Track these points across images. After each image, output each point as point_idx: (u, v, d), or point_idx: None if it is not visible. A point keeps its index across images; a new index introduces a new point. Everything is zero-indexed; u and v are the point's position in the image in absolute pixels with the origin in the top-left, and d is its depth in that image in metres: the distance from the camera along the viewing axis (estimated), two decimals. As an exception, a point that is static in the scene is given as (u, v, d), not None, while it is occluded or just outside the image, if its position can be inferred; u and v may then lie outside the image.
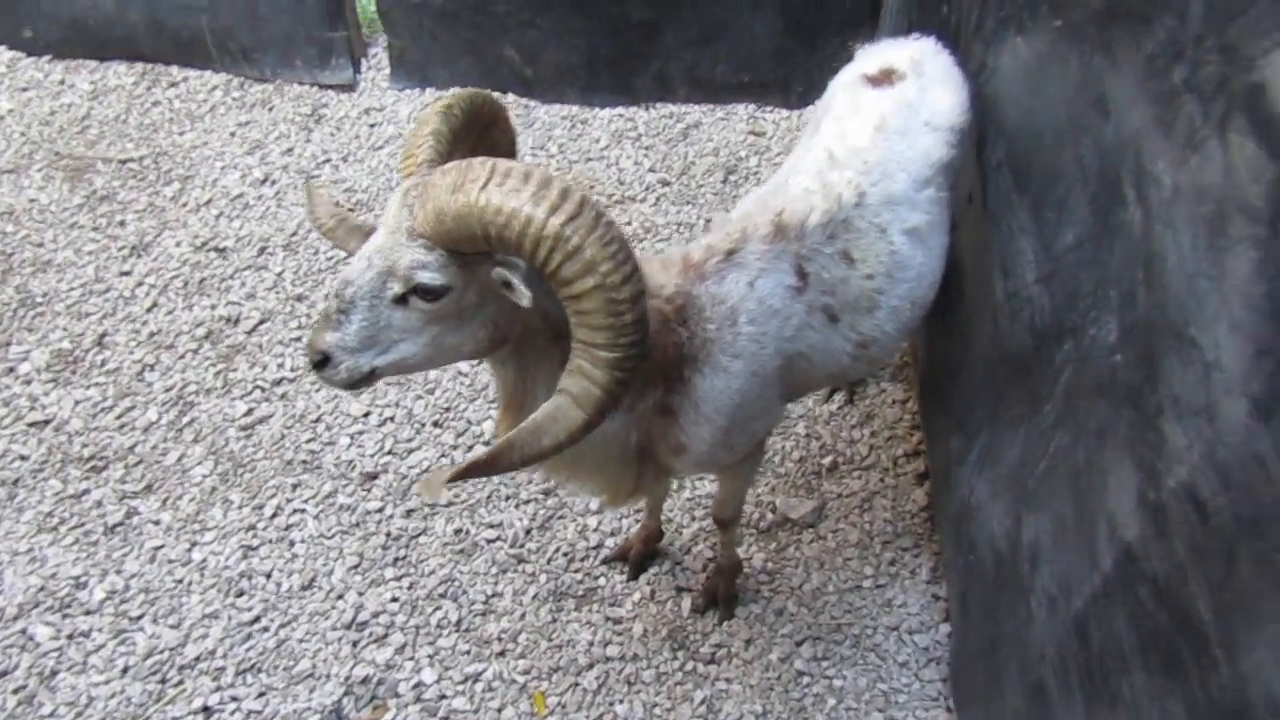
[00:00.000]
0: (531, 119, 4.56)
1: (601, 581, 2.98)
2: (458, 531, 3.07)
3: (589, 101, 4.59)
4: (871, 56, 2.73)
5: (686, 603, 2.92)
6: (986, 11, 2.65)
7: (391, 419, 3.37)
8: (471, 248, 1.69)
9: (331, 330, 1.76)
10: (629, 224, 4.08)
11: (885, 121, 2.47)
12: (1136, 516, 1.53)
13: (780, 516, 3.14)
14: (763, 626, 2.88)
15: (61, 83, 4.64)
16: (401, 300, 1.74)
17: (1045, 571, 1.89)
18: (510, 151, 2.16)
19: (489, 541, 3.05)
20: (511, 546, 3.04)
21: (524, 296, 1.71)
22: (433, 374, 3.47)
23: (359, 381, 1.84)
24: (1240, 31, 1.46)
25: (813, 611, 2.91)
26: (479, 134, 2.04)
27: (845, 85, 2.68)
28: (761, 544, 3.08)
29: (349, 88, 4.64)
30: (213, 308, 3.69)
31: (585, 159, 4.38)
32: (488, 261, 1.73)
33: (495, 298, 1.79)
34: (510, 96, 4.62)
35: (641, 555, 3.01)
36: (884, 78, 2.60)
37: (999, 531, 2.22)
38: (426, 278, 1.71)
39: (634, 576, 3.00)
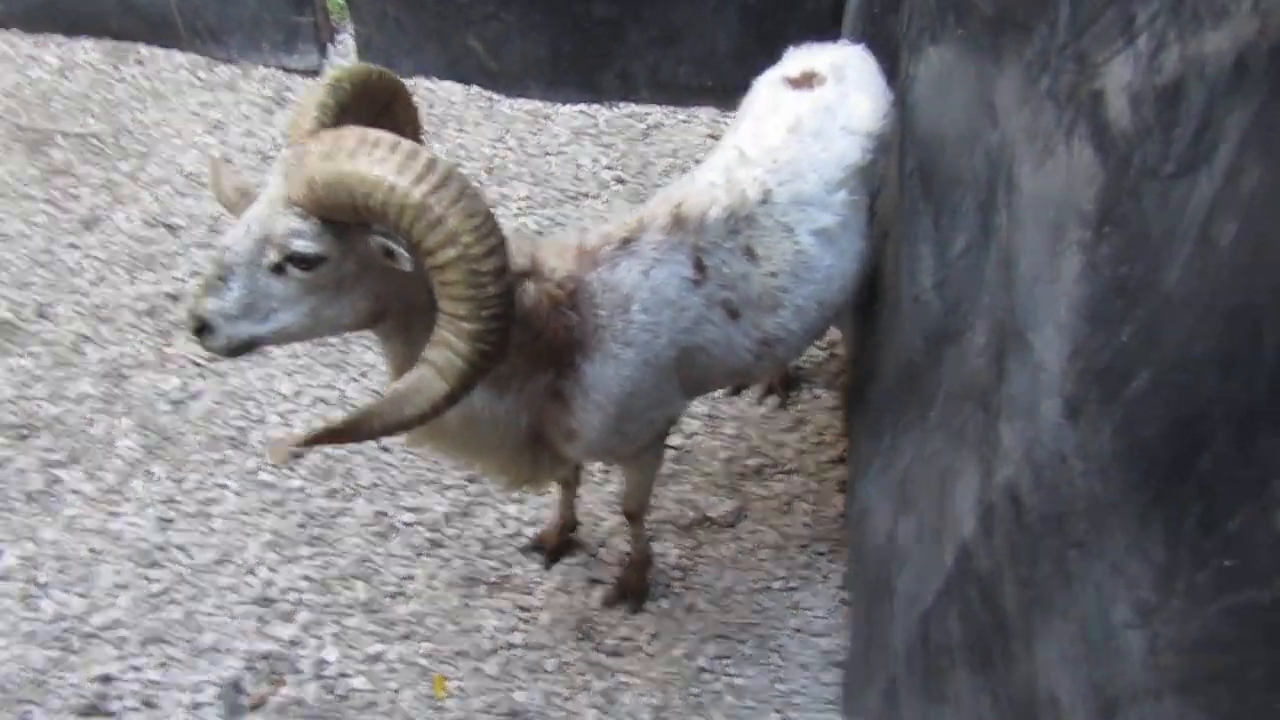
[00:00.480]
0: (493, 112, 4.58)
1: (516, 570, 3.00)
2: (378, 513, 3.08)
3: (552, 97, 4.61)
4: (795, 59, 2.76)
5: (597, 594, 2.94)
6: (912, 21, 2.68)
7: (323, 400, 3.38)
8: (345, 217, 1.71)
9: (212, 297, 1.79)
10: (581, 219, 4.10)
11: (800, 123, 2.50)
12: (973, 515, 1.54)
13: (700, 515, 3.16)
14: (671, 622, 2.89)
15: (30, 57, 4.67)
16: (279, 269, 1.76)
17: (908, 573, 1.91)
18: (415, 130, 2.16)
19: (407, 525, 3.06)
20: (430, 531, 3.05)
21: (405, 261, 1.73)
22: (369, 357, 3.48)
23: (238, 349, 1.86)
24: (1091, 39, 1.48)
25: (722, 610, 2.92)
26: (379, 112, 2.05)
27: (767, 86, 2.70)
28: (678, 541, 3.09)
29: (314, 73, 4.66)
30: (157, 283, 3.70)
31: (544, 153, 4.40)
32: (367, 232, 1.75)
33: (375, 269, 1.82)
34: (474, 88, 4.64)
35: (557, 545, 3.03)
36: (804, 80, 2.62)
37: (882, 535, 2.23)
38: (300, 246, 1.73)
39: (549, 565, 3.02)
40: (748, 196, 2.32)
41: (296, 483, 3.13)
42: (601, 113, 4.62)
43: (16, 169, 4.11)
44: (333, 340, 3.51)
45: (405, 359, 1.95)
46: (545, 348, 2.07)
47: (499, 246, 1.68)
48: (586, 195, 4.22)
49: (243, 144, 4.26)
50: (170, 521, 3.01)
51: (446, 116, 4.52)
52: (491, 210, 1.69)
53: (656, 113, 4.63)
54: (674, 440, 3.33)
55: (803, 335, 2.48)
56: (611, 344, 2.13)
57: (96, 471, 3.12)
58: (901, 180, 2.59)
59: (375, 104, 2.03)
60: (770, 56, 4.42)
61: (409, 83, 4.57)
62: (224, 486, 3.11)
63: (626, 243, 2.17)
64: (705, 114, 4.63)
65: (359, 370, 3.46)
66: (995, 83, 1.93)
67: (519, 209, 4.14)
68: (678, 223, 2.22)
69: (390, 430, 1.80)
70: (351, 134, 1.68)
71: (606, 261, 2.14)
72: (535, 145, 4.44)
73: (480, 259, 1.65)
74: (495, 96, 4.64)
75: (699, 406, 3.43)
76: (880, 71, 2.71)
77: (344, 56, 4.73)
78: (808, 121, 2.50)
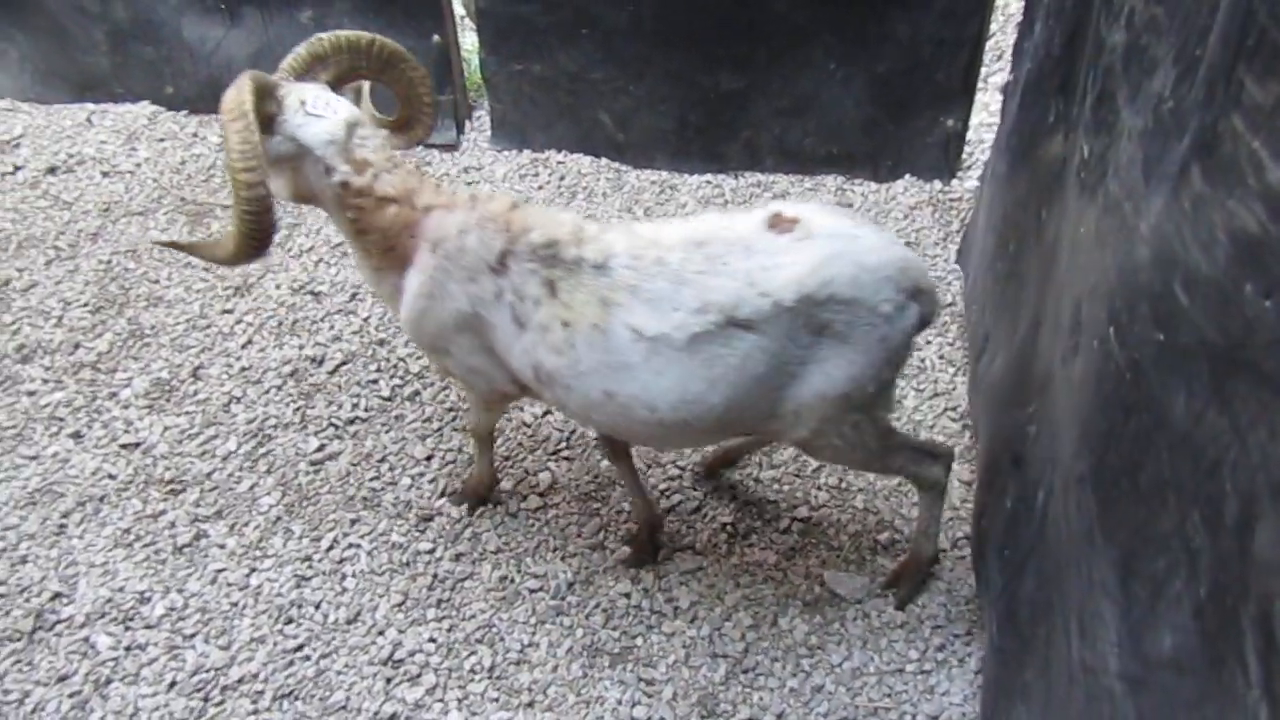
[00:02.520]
0: (622, 182, 4.67)
1: (639, 641, 2.96)
2: (503, 578, 3.11)
3: (678, 168, 4.69)
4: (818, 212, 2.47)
5: (722, 669, 2.87)
6: (1079, 264, 2.29)
7: (453, 463, 3.46)
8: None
9: None
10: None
11: (708, 242, 2.39)
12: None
13: (827, 590, 3.07)
14: (798, 703, 2.80)
15: (194, 135, 5.03)
16: None
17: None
18: (425, 85, 2.78)
19: (531, 591, 3.07)
20: (553, 598, 3.06)
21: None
22: (499, 423, 3.55)
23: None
24: None
25: (850, 692, 2.82)
26: (381, 69, 2.71)
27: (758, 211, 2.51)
28: (806, 617, 3.00)
29: (452, 147, 4.87)
30: (300, 348, 3.88)
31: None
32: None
33: (284, 162, 2.57)
34: (603, 160, 4.75)
35: (642, 545, 3.15)
36: (779, 221, 2.40)
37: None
38: None
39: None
40: (584, 253, 2.44)
41: (426, 545, 3.18)
42: (727, 182, 4.66)
43: (179, 239, 4.39)
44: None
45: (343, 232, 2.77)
46: (397, 255, 2.64)
47: (257, 168, 2.30)
48: (712, 264, 4.24)
49: (383, 215, 4.46)
50: (306, 579, 3.10)
51: (576, 188, 4.63)
52: (256, 145, 2.30)
53: (782, 181, 4.65)
54: (800, 512, 3.27)
55: (588, 413, 2.58)
56: (417, 268, 2.61)
57: (240, 527, 3.25)
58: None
59: (373, 62, 2.69)
60: (898, 125, 4.42)
61: (541, 155, 4.78)
62: (357, 546, 3.19)
63: (471, 206, 2.59)
64: (831, 181, 4.62)
65: (488, 434, 3.52)
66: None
67: (645, 277, 4.18)
68: (510, 218, 2.54)
69: (206, 260, 2.67)
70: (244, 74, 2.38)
71: (445, 208, 2.59)
72: (662, 214, 4.50)
73: (239, 172, 2.29)
74: (623, 168, 4.75)
75: (826, 477, 3.36)
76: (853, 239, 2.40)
77: (481, 131, 4.92)
78: (717, 246, 2.37)
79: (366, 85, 2.79)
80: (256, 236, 2.41)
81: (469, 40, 5.07)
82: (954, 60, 4.19)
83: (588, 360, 2.44)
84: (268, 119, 2.46)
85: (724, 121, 4.53)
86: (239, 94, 2.32)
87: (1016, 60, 3.51)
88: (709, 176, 4.67)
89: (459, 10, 5.03)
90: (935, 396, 3.65)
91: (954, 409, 3.59)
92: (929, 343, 3.84)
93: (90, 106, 5.16)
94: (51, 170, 4.78)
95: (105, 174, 4.77)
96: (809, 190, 4.61)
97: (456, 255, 2.54)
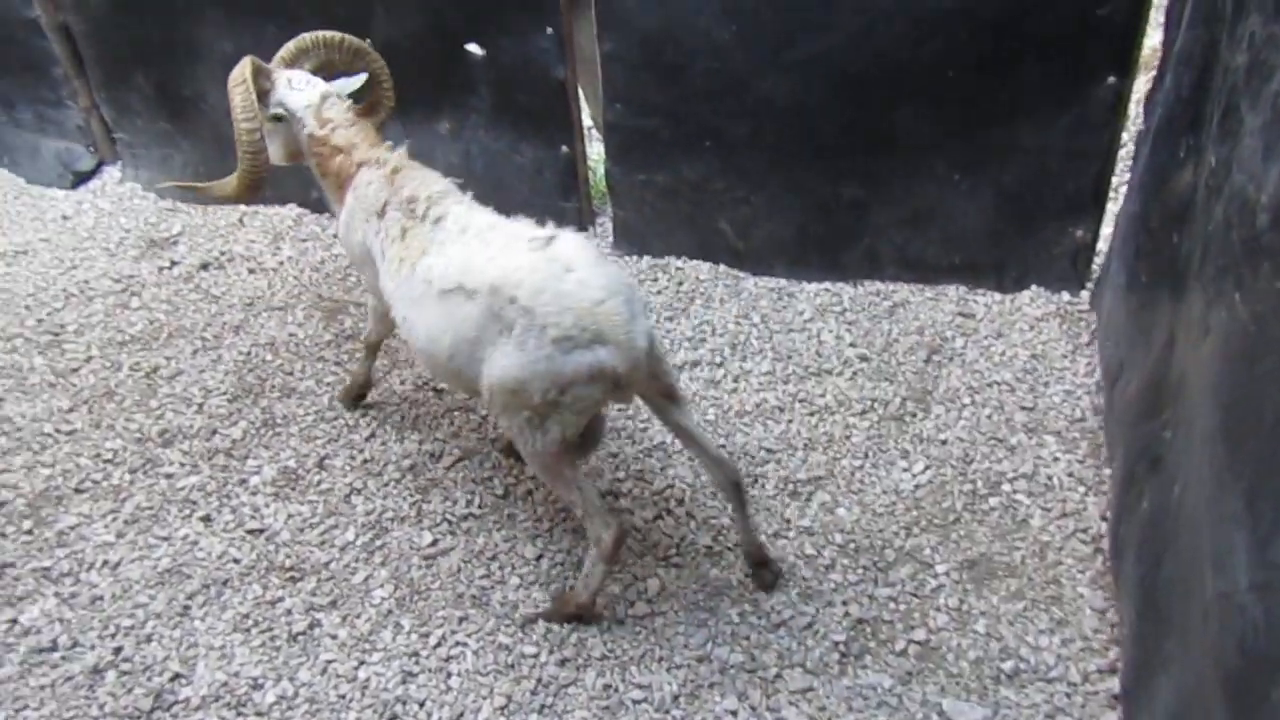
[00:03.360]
0: (739, 289, 4.70)
1: (742, 762, 2.85)
2: (607, 687, 3.05)
3: (796, 275, 4.69)
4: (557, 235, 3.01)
5: (831, 801, 2.73)
6: (1207, 257, 2.55)
7: (561, 564, 3.45)
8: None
9: None
10: (823, 395, 4.07)
11: (490, 230, 3.09)
12: None
13: (946, 720, 2.90)
14: (913, 842, 2.62)
15: (335, 236, 5.31)
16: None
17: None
18: (385, 74, 3.84)
19: (635, 702, 3.00)
20: (657, 710, 2.98)
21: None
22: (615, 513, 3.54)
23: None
24: None
25: (971, 834, 2.63)
26: (350, 61, 3.78)
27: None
28: (922, 749, 2.84)
29: (574, 251, 4.99)
30: (420, 442, 3.98)
31: (787, 330, 4.44)
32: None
33: (276, 130, 3.59)
34: (721, 267, 4.80)
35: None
36: (540, 239, 2.96)
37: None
38: None
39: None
40: (430, 211, 3.19)
41: (530, 648, 3.16)
42: (846, 290, 4.64)
43: (314, 333, 4.61)
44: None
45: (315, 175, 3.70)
46: (343, 192, 3.49)
47: (254, 119, 3.37)
48: (829, 372, 4.20)
49: (506, 315, 4.59)
50: (413, 675, 3.10)
51: (694, 293, 4.69)
52: (253, 103, 3.37)
53: (902, 290, 4.60)
54: (917, 634, 3.13)
55: (405, 337, 3.33)
56: (347, 203, 3.48)
57: (352, 619, 3.29)
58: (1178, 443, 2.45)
59: (344, 55, 3.75)
60: (1024, 236, 4.34)
61: (661, 261, 4.86)
62: (464, 645, 3.19)
63: (378, 165, 3.39)
64: (954, 291, 4.54)
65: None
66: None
67: (760, 384, 4.17)
68: (393, 178, 3.33)
69: (213, 201, 4.03)
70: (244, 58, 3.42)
71: (368, 165, 3.42)
72: (779, 321, 4.50)
73: (241, 124, 3.37)
74: (741, 274, 4.78)
75: (946, 598, 3.22)
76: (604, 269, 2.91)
77: (604, 238, 5.06)
78: (490, 234, 3.05)
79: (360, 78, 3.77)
80: (254, 175, 3.51)
81: (595, 150, 5.25)
82: (1084, 171, 4.11)
83: (403, 290, 3.19)
84: (263, 93, 3.48)
85: (844, 230, 4.54)
86: (241, 70, 3.35)
87: (1148, 111, 3.82)
88: (827, 284, 4.66)
89: (586, 122, 5.23)
90: (1064, 517, 3.48)
91: (1084, 530, 3.41)
92: (1056, 459, 3.68)
93: (243, 208, 5.53)
94: (204, 266, 5.11)
95: (251, 270, 5.07)
96: (930, 299, 4.53)
97: (361, 200, 3.38)
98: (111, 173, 5.89)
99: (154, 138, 5.58)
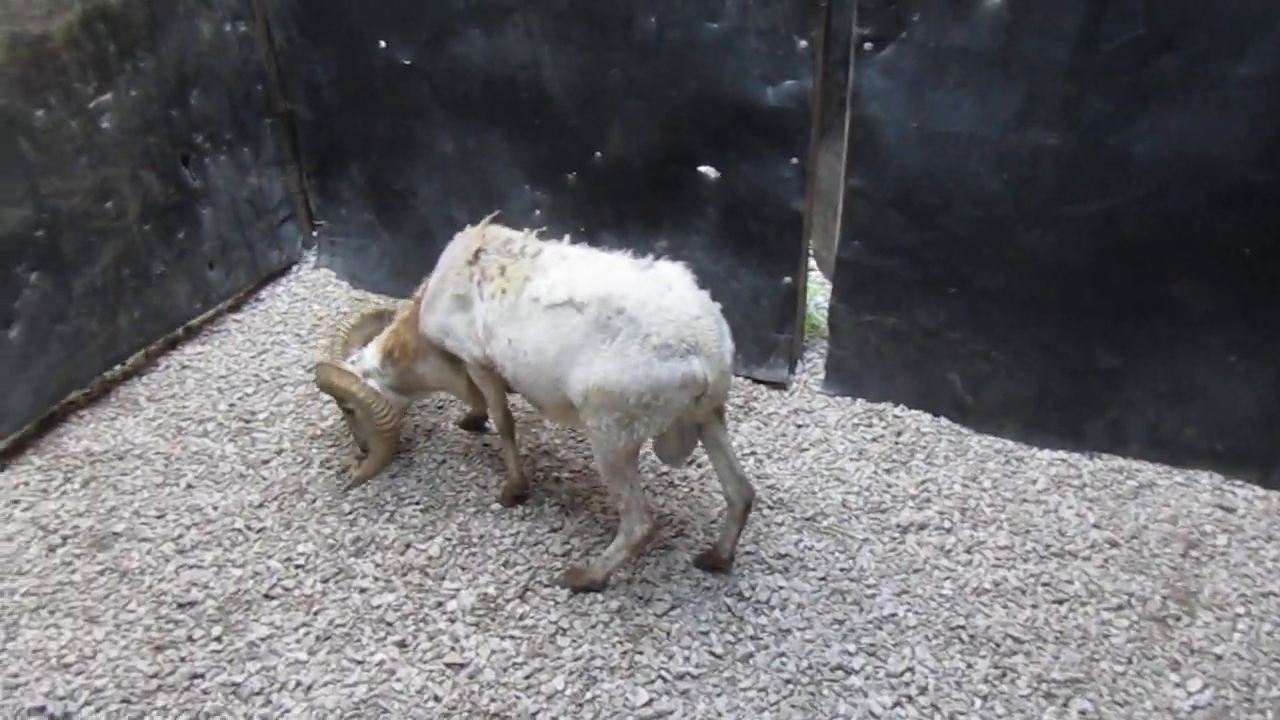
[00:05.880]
0: (964, 446, 4.35)
1: None
2: None
3: (1028, 439, 4.33)
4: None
5: None
6: None
7: (795, 749, 3.07)
8: None
9: None
10: (1070, 582, 3.66)
11: (587, 259, 3.47)
12: None
13: None
14: None
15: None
16: None
17: None
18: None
19: None
20: None
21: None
22: (842, 707, 3.16)
23: None
24: None
25: None
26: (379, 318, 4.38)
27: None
28: None
29: (782, 386, 4.74)
30: (629, 582, 3.67)
31: (1021, 500, 4.06)
32: None
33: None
34: (943, 420, 4.48)
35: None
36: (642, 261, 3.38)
37: None
38: None
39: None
40: (527, 247, 3.52)
41: None
42: (1084, 463, 4.25)
43: (508, 447, 4.39)
44: (804, 681, 3.23)
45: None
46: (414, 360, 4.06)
47: (387, 415, 4.02)
48: (1074, 554, 3.79)
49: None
50: None
51: (915, 446, 4.35)
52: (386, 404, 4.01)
53: (1148, 470, 4.19)
54: None
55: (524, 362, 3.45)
56: (427, 291, 3.87)
57: (568, 787, 2.95)
58: None
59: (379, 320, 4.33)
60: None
61: (876, 407, 4.56)
62: (694, 835, 2.82)
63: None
64: (1208, 480, 4.12)
65: (829, 718, 3.14)
66: None
67: (997, 559, 3.78)
68: (484, 228, 3.73)
69: (381, 462, 4.21)
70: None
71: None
72: (1010, 489, 4.13)
73: (381, 425, 4.03)
74: (965, 431, 4.44)
75: None
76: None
77: (814, 374, 4.79)
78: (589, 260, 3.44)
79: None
80: (394, 447, 4.22)
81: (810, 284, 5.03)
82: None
83: (507, 314, 3.44)
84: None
85: (1091, 398, 4.18)
86: (358, 385, 3.98)
87: None
88: (1063, 454, 4.28)
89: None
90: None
91: None
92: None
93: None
94: (395, 362, 4.97)
95: (444, 372, 4.92)
96: (1180, 484, 4.12)
97: (448, 263, 3.77)
98: (307, 258, 5.87)
99: (356, 228, 5.55)
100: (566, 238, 3.58)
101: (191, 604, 3.56)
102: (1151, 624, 3.52)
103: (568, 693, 3.26)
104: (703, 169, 4.48)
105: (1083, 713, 3.21)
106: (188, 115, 4.95)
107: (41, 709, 3.17)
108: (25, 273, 4.25)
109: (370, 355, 4.08)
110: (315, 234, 5.77)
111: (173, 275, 5.00)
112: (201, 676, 3.28)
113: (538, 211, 4.94)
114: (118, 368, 4.84)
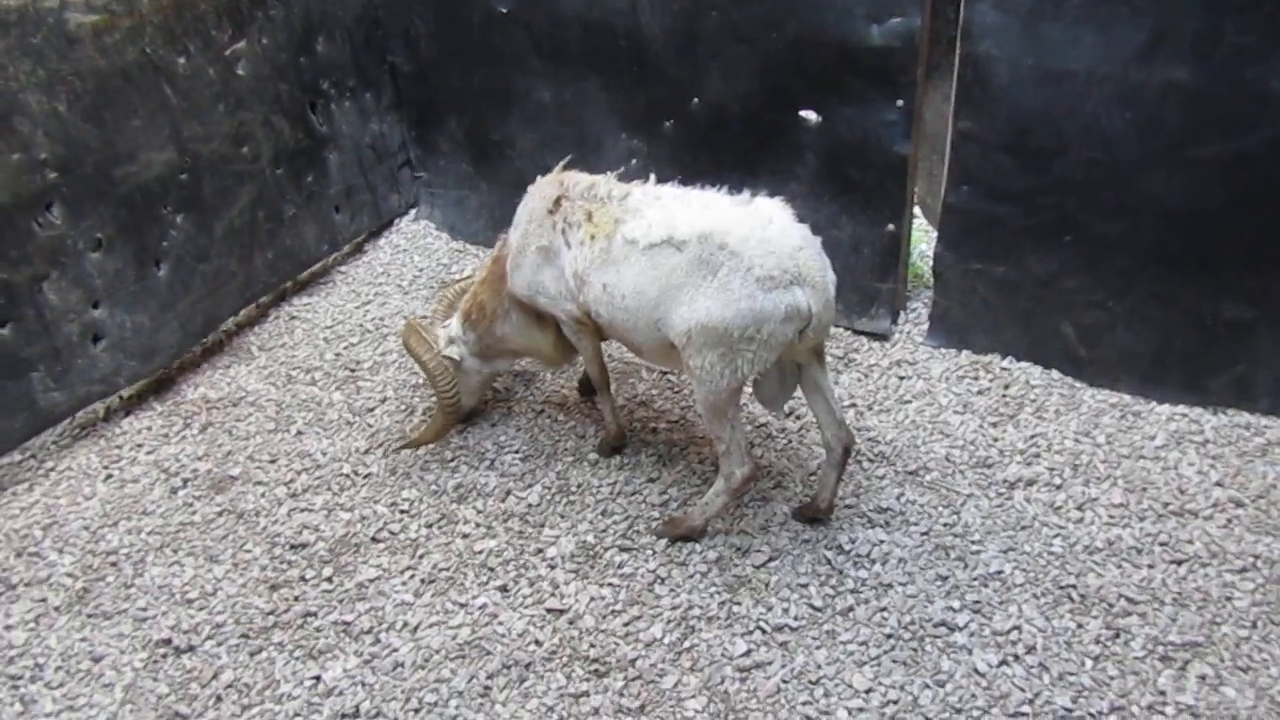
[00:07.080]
0: (1077, 400, 4.19)
1: None
2: None
3: (1146, 393, 4.14)
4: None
5: None
6: None
7: (894, 702, 3.03)
8: None
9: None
10: (1190, 542, 3.50)
11: (682, 196, 3.41)
12: None
13: None
14: None
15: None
16: None
17: None
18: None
19: None
20: None
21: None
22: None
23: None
24: None
25: None
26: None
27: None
28: None
29: (884, 337, 4.62)
30: (726, 534, 3.66)
31: (1137, 456, 3.89)
32: None
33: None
34: (1054, 373, 4.31)
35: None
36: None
37: None
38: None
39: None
40: (613, 190, 3.49)
41: (873, 803, 2.75)
42: (1206, 418, 4.05)
43: (606, 398, 4.40)
44: (906, 637, 3.18)
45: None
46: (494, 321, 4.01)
47: (449, 376, 3.92)
48: (1194, 513, 3.62)
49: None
50: (739, 814, 2.75)
51: (1024, 400, 4.20)
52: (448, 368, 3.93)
53: (1277, 427, 3.97)
54: None
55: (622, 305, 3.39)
56: (510, 247, 3.82)
57: (666, 732, 2.98)
58: None
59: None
60: None
61: (983, 359, 4.41)
62: (793, 785, 2.82)
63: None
64: (1341, 438, 3.89)
65: (932, 674, 3.07)
66: None
67: (1110, 517, 3.64)
68: (561, 173, 3.70)
69: (432, 439, 4.05)
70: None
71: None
72: (1126, 445, 3.96)
73: (436, 377, 3.89)
74: (1078, 385, 4.27)
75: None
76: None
77: (917, 324, 4.66)
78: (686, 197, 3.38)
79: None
80: (455, 417, 4.05)
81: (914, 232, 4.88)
82: None
83: (599, 259, 3.38)
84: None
85: (1216, 351, 3.96)
86: (425, 343, 3.93)
87: None
88: (1184, 408, 4.08)
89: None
90: None
91: None
92: None
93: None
94: (494, 313, 5.02)
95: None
96: (1311, 442, 3.89)
97: (527, 215, 3.74)
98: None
99: (455, 179, 5.60)
100: (652, 178, 3.50)
101: (303, 545, 3.69)
102: (1279, 588, 3.35)
103: (666, 641, 3.27)
104: (803, 113, 4.36)
105: (1202, 677, 3.08)
106: (314, 62, 5.11)
107: (168, 641, 3.34)
108: (171, 214, 4.47)
109: (455, 322, 4.02)
110: (415, 186, 5.84)
111: (302, 217, 5.20)
112: (314, 615, 3.41)
113: (634, 160, 4.89)
114: (230, 320, 5.00)
